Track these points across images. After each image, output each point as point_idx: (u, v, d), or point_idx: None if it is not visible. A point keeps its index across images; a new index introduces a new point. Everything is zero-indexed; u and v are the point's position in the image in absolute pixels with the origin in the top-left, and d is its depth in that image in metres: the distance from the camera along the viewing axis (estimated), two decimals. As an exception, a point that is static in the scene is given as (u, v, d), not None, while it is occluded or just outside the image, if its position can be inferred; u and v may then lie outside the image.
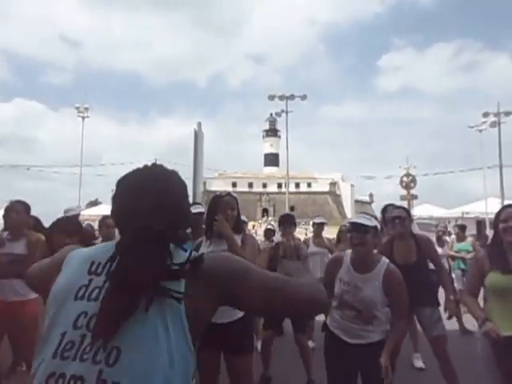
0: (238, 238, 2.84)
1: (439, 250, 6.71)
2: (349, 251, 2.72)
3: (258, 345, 4.98)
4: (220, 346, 2.72)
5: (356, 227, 2.55)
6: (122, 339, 0.86)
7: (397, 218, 3.52)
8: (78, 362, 0.85)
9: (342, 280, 2.63)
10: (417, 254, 3.52)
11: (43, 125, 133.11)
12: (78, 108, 35.36)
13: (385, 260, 2.62)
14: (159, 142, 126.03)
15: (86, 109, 35.59)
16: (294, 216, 4.77)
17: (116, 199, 1.09)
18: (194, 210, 4.31)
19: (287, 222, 4.46)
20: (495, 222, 2.56)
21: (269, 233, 6.36)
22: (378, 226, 2.59)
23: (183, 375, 0.90)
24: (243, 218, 6.06)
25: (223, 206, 2.80)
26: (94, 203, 49.88)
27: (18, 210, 3.33)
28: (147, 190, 1.06)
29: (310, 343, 4.92)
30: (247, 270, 1.05)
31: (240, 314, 2.69)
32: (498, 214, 2.54)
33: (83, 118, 35.42)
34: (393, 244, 3.51)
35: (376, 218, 2.68)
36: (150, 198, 1.04)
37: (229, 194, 2.97)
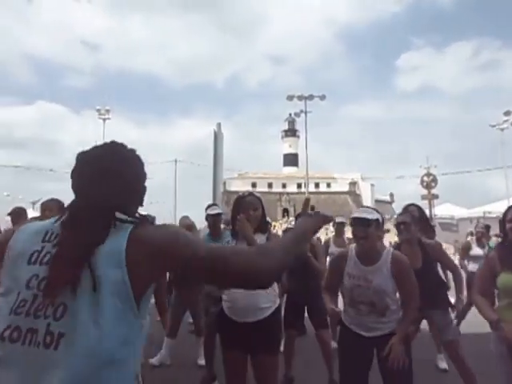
0: (262, 238, 2.80)
1: (479, 251, 6.57)
2: (353, 246, 2.74)
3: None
4: (246, 345, 2.72)
5: (358, 221, 2.57)
6: (67, 297, 0.98)
7: (401, 223, 3.50)
8: (31, 317, 0.99)
9: (350, 275, 2.63)
10: (423, 260, 3.48)
11: (65, 127, 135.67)
12: (98, 110, 35.98)
13: (389, 248, 2.65)
14: (178, 142, 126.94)
15: (107, 111, 36.18)
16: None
17: (72, 174, 1.18)
18: (211, 211, 4.42)
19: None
20: (503, 222, 2.54)
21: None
22: (380, 219, 2.60)
23: (118, 329, 0.99)
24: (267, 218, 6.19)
25: (245, 206, 2.83)
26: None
27: (51, 208, 3.39)
28: (95, 167, 1.14)
29: (333, 344, 4.93)
30: (187, 239, 1.08)
31: (266, 313, 2.68)
32: (505, 213, 2.54)
33: (104, 119, 36.02)
34: (400, 249, 3.47)
35: (378, 211, 2.67)
36: (95, 175, 1.13)
37: (251, 193, 2.93)
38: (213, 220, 4.40)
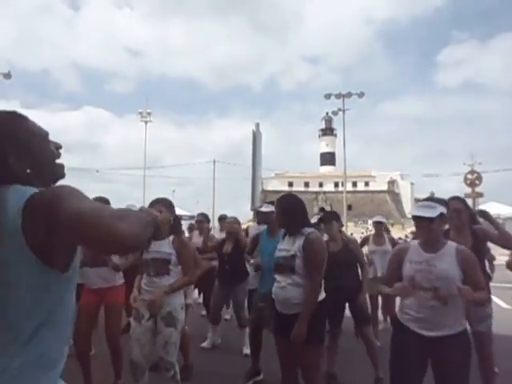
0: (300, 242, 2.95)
1: None
2: (414, 241, 2.68)
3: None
4: (284, 334, 2.87)
5: (420, 220, 2.51)
6: None
7: (454, 210, 3.34)
8: None
9: (412, 261, 2.55)
10: (473, 249, 3.38)
11: (110, 131, 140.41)
12: (141, 113, 37.05)
13: (452, 242, 2.58)
14: (217, 143, 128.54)
15: (149, 113, 37.20)
16: (336, 213, 4.79)
17: None
18: (263, 208, 4.41)
19: (328, 219, 4.49)
20: None
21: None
22: (445, 211, 2.50)
23: (31, 293, 1.02)
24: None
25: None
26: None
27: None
28: None
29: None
30: (68, 195, 1.01)
31: (301, 308, 2.81)
32: None
33: (146, 122, 37.03)
34: (449, 236, 3.37)
35: (440, 202, 2.56)
36: None
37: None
38: (264, 218, 4.37)
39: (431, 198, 2.70)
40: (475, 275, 2.45)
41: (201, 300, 6.78)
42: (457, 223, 3.38)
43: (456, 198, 3.46)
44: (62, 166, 1.26)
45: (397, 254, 2.70)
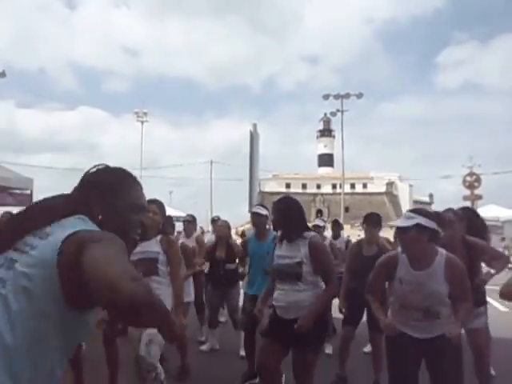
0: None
1: None
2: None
3: (327, 349, 4.98)
4: (286, 340, 2.87)
5: (397, 230, 2.61)
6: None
7: (448, 222, 3.31)
8: None
9: (402, 280, 2.54)
10: (466, 259, 3.32)
11: (106, 131, 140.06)
12: (137, 113, 36.94)
13: (442, 251, 2.53)
14: (215, 143, 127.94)
15: (145, 113, 37.11)
16: (379, 215, 4.64)
17: None
18: (253, 209, 4.41)
19: (371, 222, 4.38)
20: None
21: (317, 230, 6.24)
22: (422, 221, 2.42)
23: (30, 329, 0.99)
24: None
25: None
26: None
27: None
28: None
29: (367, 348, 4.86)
30: (99, 240, 1.01)
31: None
32: None
33: (142, 122, 36.92)
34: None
35: (421, 213, 2.50)
36: None
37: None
38: (253, 219, 4.35)
39: (419, 210, 2.65)
40: (461, 285, 2.48)
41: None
42: (449, 234, 3.30)
43: (449, 210, 3.46)
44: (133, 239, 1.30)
45: (385, 267, 2.67)
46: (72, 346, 1.14)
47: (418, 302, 2.49)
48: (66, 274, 1.00)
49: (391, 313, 2.70)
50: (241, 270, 4.80)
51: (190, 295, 4.80)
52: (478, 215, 3.68)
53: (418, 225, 2.41)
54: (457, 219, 3.40)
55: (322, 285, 2.93)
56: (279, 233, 3.12)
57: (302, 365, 2.85)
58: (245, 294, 4.51)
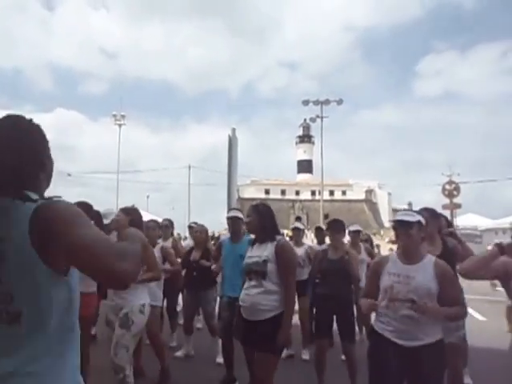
0: (271, 248, 3.01)
1: None
2: (393, 252, 2.79)
3: (304, 355, 5.17)
4: (248, 341, 3.01)
5: (400, 224, 2.61)
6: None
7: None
8: None
9: (390, 273, 2.62)
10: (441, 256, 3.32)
11: (83, 134, 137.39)
12: (114, 116, 36.37)
13: (431, 255, 2.66)
14: (193, 148, 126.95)
15: (123, 116, 36.57)
16: (342, 222, 4.66)
17: None
18: (228, 213, 4.47)
19: (335, 228, 4.42)
20: None
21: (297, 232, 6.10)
22: (422, 221, 2.61)
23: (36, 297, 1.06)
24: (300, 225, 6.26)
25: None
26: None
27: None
28: None
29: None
30: (74, 223, 1.07)
31: (269, 314, 2.87)
32: None
33: (120, 125, 36.37)
34: None
35: (420, 213, 2.70)
36: None
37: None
38: (229, 223, 4.32)
39: (409, 210, 2.89)
40: (452, 290, 2.54)
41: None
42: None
43: (424, 210, 3.52)
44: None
45: (376, 266, 2.77)
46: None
47: (404, 292, 2.50)
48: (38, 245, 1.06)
49: (378, 313, 2.66)
50: (213, 266, 4.73)
51: (158, 299, 4.64)
52: (436, 216, 3.68)
53: (419, 222, 2.58)
54: (430, 218, 3.36)
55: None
56: (253, 236, 3.25)
57: (264, 367, 2.89)
58: (221, 299, 4.45)
